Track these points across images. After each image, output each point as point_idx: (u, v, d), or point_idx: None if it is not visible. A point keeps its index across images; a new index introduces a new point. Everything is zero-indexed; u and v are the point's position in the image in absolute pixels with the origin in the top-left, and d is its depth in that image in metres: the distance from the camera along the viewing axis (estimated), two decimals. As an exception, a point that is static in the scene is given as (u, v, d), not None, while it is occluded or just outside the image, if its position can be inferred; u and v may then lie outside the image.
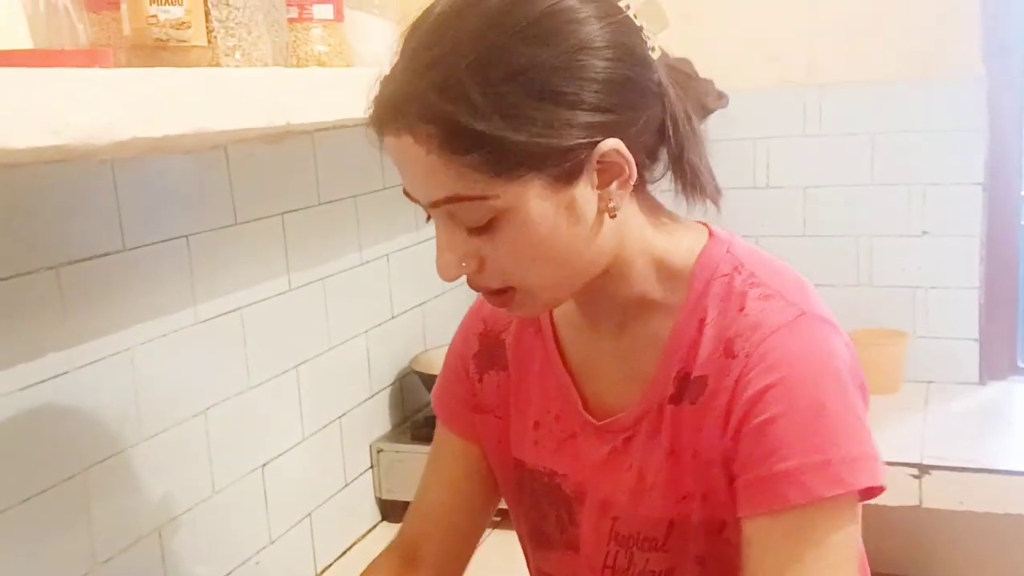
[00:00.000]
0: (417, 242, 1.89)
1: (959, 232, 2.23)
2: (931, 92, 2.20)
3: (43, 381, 1.08)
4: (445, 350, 1.87)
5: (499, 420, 1.02)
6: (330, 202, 1.60)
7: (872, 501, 0.84)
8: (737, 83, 0.95)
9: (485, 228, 0.79)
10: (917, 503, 1.88)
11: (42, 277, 1.07)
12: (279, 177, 1.48)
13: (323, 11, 1.25)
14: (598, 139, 0.78)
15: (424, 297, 1.94)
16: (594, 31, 0.77)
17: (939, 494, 1.87)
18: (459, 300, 2.08)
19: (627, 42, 0.80)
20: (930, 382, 2.28)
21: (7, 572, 1.04)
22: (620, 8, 0.81)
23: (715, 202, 0.89)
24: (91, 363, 1.14)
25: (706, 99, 0.90)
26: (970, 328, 2.25)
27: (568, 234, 0.80)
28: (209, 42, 1.02)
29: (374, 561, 1.07)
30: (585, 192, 0.80)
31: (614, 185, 0.81)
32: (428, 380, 1.80)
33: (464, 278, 0.84)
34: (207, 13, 1.03)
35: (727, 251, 0.89)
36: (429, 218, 0.84)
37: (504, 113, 0.74)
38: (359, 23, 1.34)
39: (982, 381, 2.26)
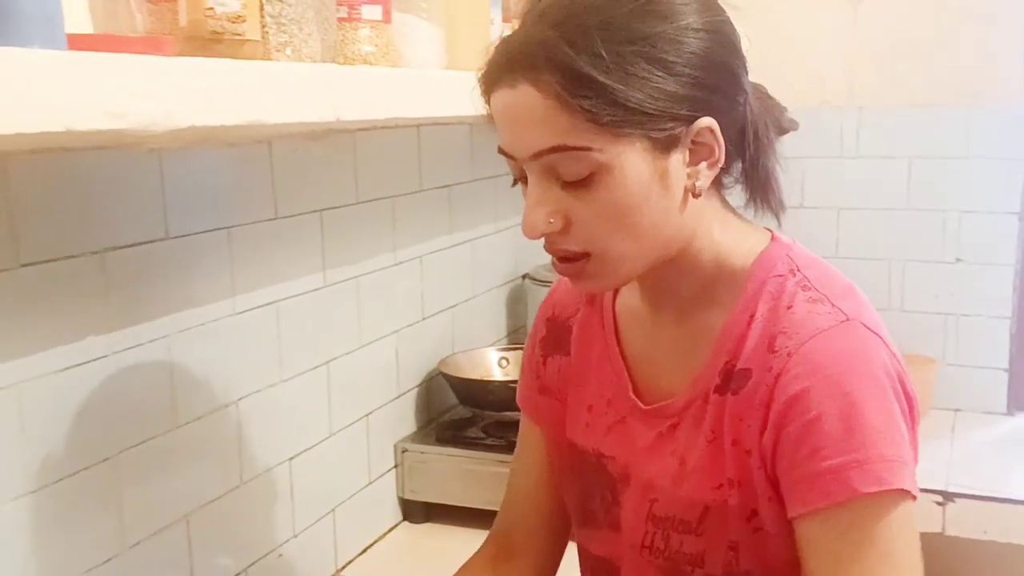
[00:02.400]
0: (450, 245, 1.90)
1: (993, 260, 2.21)
2: (971, 119, 2.19)
3: (82, 364, 1.09)
4: (474, 354, 1.92)
5: (559, 403, 1.08)
6: (368, 201, 1.61)
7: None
8: None
9: (582, 183, 0.83)
10: (940, 530, 1.87)
11: (87, 261, 1.09)
12: (320, 174, 1.49)
13: (372, 12, 1.27)
14: (697, 115, 0.84)
15: (455, 300, 1.95)
16: (702, 17, 0.84)
17: (962, 522, 1.85)
18: (489, 305, 2.10)
19: (727, 32, 0.87)
20: (957, 410, 2.26)
21: (40, 549, 1.06)
22: (720, 5, 0.88)
23: (777, 215, 0.95)
24: (129, 348, 1.15)
25: (781, 120, 0.96)
26: (1000, 358, 2.24)
27: (656, 205, 0.85)
28: (262, 37, 1.04)
29: (472, 556, 1.12)
30: (677, 166, 0.85)
31: (703, 165, 0.86)
32: (455, 383, 1.80)
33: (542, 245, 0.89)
34: (261, 8, 1.05)
35: (786, 255, 0.93)
36: (515, 183, 0.89)
37: (624, 71, 0.80)
38: (406, 25, 1.35)
39: (1010, 412, 2.25)
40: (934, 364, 2.22)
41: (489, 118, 0.89)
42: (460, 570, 1.10)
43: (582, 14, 0.81)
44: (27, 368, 1.03)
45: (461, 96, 1.25)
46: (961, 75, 2.18)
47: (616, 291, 1.04)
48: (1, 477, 1.01)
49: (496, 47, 0.86)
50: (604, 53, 0.79)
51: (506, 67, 0.83)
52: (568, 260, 0.88)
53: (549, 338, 1.10)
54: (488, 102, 0.87)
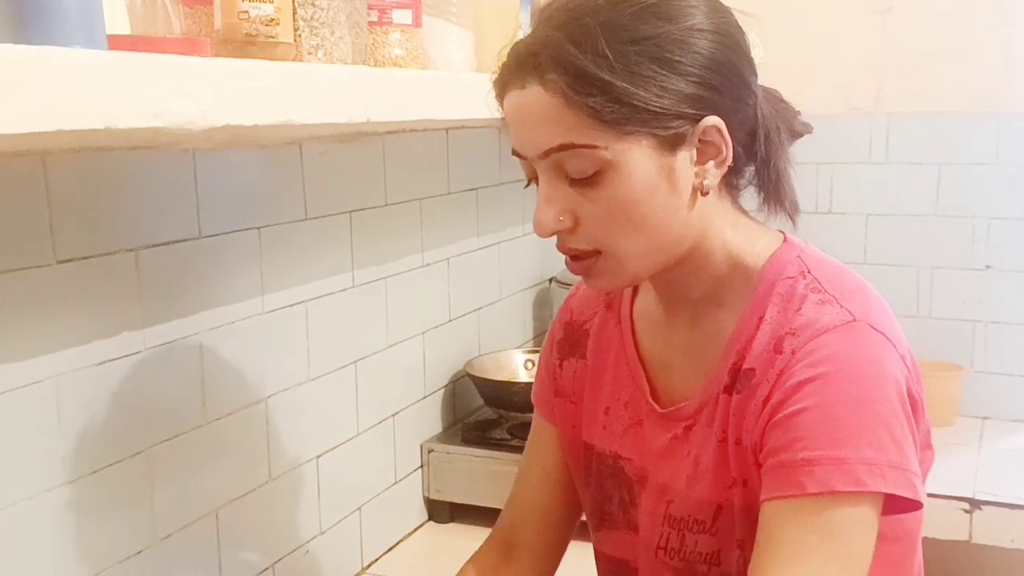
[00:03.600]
0: (477, 248, 1.91)
1: (1023, 267, 2.20)
2: (1000, 125, 2.18)
3: (116, 359, 1.12)
4: (500, 356, 1.93)
5: (574, 406, 1.08)
6: (396, 203, 1.63)
7: (921, 533, 0.84)
8: (804, 108, 0.99)
9: (589, 181, 0.85)
10: (967, 538, 1.86)
11: (122, 258, 1.11)
12: (349, 176, 1.51)
13: (402, 16, 1.29)
14: (703, 114, 0.85)
15: (481, 303, 1.96)
16: (707, 19, 0.86)
17: (990, 530, 1.84)
18: (515, 307, 2.11)
19: (734, 34, 0.89)
20: (986, 418, 2.25)
21: (74, 539, 1.08)
22: (728, 9, 0.89)
23: (792, 217, 0.95)
24: (162, 345, 1.18)
25: (794, 123, 0.96)
26: (1029, 365, 2.22)
27: (663, 202, 0.86)
28: (294, 40, 1.06)
29: (475, 554, 1.12)
30: (684, 164, 0.86)
31: (711, 164, 0.87)
32: (481, 384, 1.82)
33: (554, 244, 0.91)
34: (294, 12, 1.07)
35: (797, 256, 0.93)
36: (528, 183, 0.91)
37: (628, 69, 0.82)
38: (436, 30, 1.37)
39: (1039, 419, 2.23)
40: (961, 371, 2.21)
41: (503, 121, 0.91)
42: (466, 565, 1.11)
43: (586, 16, 0.83)
44: (64, 362, 1.05)
45: (491, 99, 1.28)
46: (990, 82, 2.17)
47: (634, 295, 1.05)
48: (37, 468, 1.03)
49: (508, 51, 0.88)
50: (608, 52, 0.81)
51: (516, 69, 0.86)
52: (579, 258, 0.90)
53: (566, 341, 1.11)
54: (501, 105, 0.90)
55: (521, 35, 1.52)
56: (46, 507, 1.04)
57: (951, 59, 2.20)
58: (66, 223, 1.04)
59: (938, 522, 1.83)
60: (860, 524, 0.82)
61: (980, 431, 2.19)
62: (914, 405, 0.87)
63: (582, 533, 1.14)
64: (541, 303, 2.23)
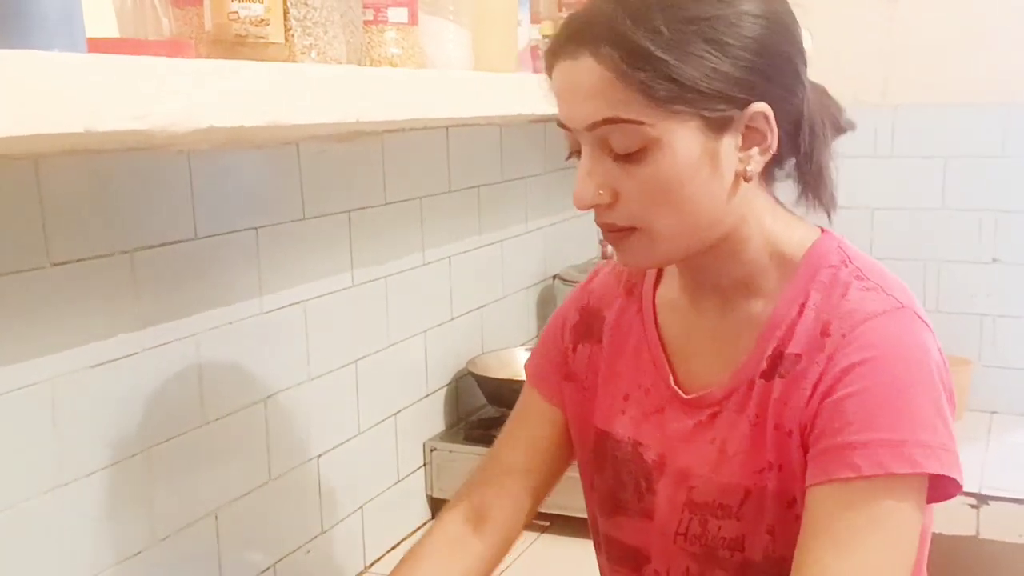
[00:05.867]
0: (479, 246, 1.91)
1: (1031, 261, 2.19)
2: (1008, 118, 2.16)
3: (113, 360, 1.12)
4: (503, 354, 1.92)
5: (585, 391, 1.07)
6: (396, 202, 1.63)
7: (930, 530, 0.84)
8: None
9: (632, 157, 0.85)
10: (974, 533, 1.85)
11: (117, 260, 1.11)
12: (348, 175, 1.51)
13: (398, 15, 1.28)
14: (752, 99, 0.85)
15: (483, 301, 1.96)
16: (761, 5, 0.86)
17: (997, 525, 1.83)
18: (518, 305, 2.10)
19: (788, 23, 0.89)
20: (994, 412, 2.23)
21: (72, 542, 1.08)
22: (787, 1, 0.90)
23: (828, 211, 0.96)
24: (159, 346, 1.18)
25: (839, 119, 0.96)
26: (1038, 359, 2.21)
27: (704, 184, 0.86)
28: (286, 40, 1.05)
29: (441, 520, 1.09)
30: (729, 149, 0.86)
31: (755, 151, 0.87)
32: (484, 382, 1.81)
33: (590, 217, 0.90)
34: (286, 12, 1.06)
35: (838, 246, 0.94)
36: (569, 156, 0.91)
37: (681, 48, 0.82)
38: (433, 28, 1.36)
39: (1048, 414, 2.21)
40: (969, 365, 2.19)
41: (550, 92, 0.91)
42: (434, 532, 1.08)
43: None
44: (59, 364, 1.05)
45: (486, 97, 1.27)
46: (997, 74, 2.16)
47: (656, 282, 1.05)
48: (34, 470, 1.04)
49: (563, 22, 0.88)
50: (664, 29, 0.81)
51: (569, 40, 0.86)
52: (614, 232, 0.90)
53: (581, 324, 1.09)
54: (551, 76, 0.89)
55: (520, 32, 1.52)
56: (44, 509, 1.05)
57: (958, 51, 2.18)
58: (60, 226, 1.04)
59: (945, 517, 1.82)
60: (909, 508, 0.83)
61: (988, 425, 2.18)
62: (951, 398, 0.88)
63: (582, 530, 1.13)
64: (544, 301, 2.22)
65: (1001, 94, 2.16)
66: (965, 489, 1.84)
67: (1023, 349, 2.21)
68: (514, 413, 1.14)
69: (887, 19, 2.25)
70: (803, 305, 0.91)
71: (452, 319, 1.84)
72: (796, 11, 0.90)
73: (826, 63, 2.23)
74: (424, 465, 1.76)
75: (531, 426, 1.11)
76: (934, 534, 0.98)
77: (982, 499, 1.83)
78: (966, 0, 2.18)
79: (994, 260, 2.21)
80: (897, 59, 2.24)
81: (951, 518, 1.84)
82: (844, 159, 2.28)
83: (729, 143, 0.86)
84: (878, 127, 2.27)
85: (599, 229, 0.93)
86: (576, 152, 0.90)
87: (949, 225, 2.23)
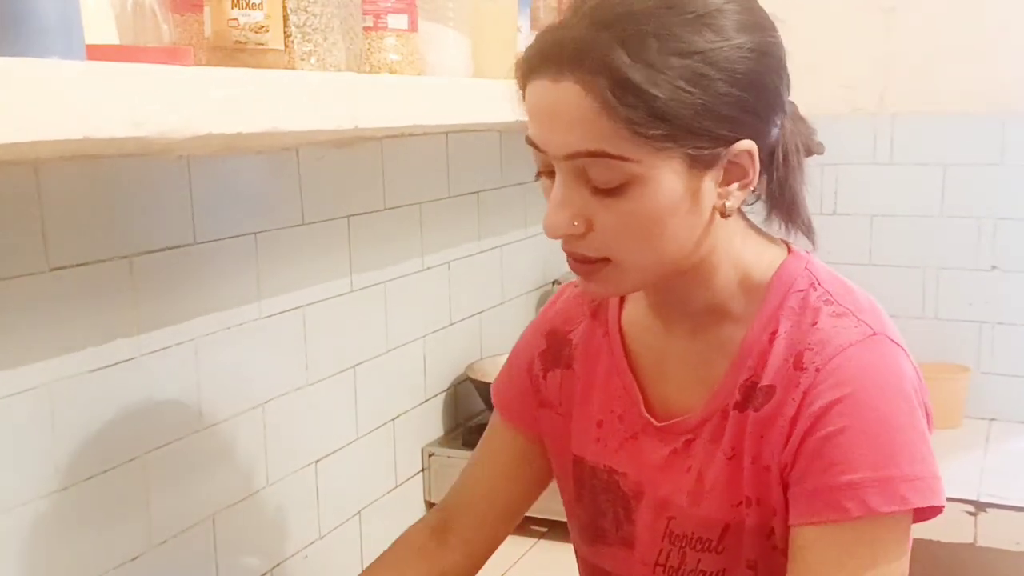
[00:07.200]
0: (478, 251, 1.91)
1: (1029, 268, 2.19)
2: (1006, 125, 2.17)
3: (111, 365, 1.12)
4: (502, 359, 1.90)
5: (560, 417, 1.05)
6: (395, 208, 1.63)
7: (926, 536, 0.84)
8: (808, 108, 0.98)
9: (612, 191, 0.82)
10: (972, 541, 1.84)
11: (116, 265, 1.12)
12: (347, 181, 1.51)
13: (398, 21, 1.29)
14: (738, 136, 0.82)
15: (482, 306, 1.96)
16: (754, 37, 0.83)
17: (995, 533, 1.83)
18: (517, 311, 2.11)
19: (779, 54, 0.86)
20: (992, 419, 2.23)
21: (69, 546, 1.08)
22: (773, 24, 0.86)
23: (808, 235, 0.93)
24: (157, 351, 1.18)
25: (810, 141, 0.94)
26: (1036, 367, 2.21)
27: (683, 220, 0.84)
28: (286, 46, 1.06)
29: (406, 533, 1.11)
30: (709, 185, 0.84)
31: (735, 186, 0.85)
32: (483, 388, 1.82)
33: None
34: (285, 18, 1.07)
35: (805, 267, 0.92)
36: (538, 176, 0.87)
37: (673, 85, 0.78)
38: (432, 34, 1.37)
39: (1046, 421, 2.21)
40: (967, 373, 2.20)
41: (520, 104, 0.86)
42: (398, 543, 1.10)
43: (640, 18, 0.79)
44: (57, 369, 1.05)
45: (484, 104, 1.27)
46: (995, 83, 2.16)
47: (621, 304, 1.02)
48: (32, 474, 1.04)
49: (541, 35, 0.83)
50: (657, 64, 0.77)
51: (551, 59, 0.80)
52: (584, 263, 0.87)
53: (550, 351, 1.07)
54: (523, 88, 0.85)
55: (520, 39, 1.51)
56: (41, 514, 1.05)
57: (956, 59, 2.19)
58: (59, 230, 1.04)
59: (943, 525, 1.81)
60: (896, 541, 0.83)
61: (987, 433, 2.17)
62: (929, 417, 0.88)
63: (564, 538, 1.13)
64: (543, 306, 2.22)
65: (999, 103, 2.16)
66: (963, 497, 1.85)
67: (1021, 356, 2.21)
68: (483, 438, 1.13)
69: (885, 28, 2.25)
70: (774, 334, 0.89)
71: (451, 324, 1.84)
72: (787, 16, 0.88)
73: (825, 71, 2.25)
74: (422, 470, 1.76)
75: (500, 451, 1.10)
76: (931, 542, 0.99)
77: (980, 507, 1.83)
78: (964, 9, 2.18)
79: (993, 267, 2.21)
80: (895, 68, 2.25)
81: (949, 526, 1.83)
82: (843, 166, 2.30)
83: (710, 180, 0.84)
84: (877, 135, 2.27)
85: None
86: (546, 173, 0.86)
87: (947, 232, 2.24)
